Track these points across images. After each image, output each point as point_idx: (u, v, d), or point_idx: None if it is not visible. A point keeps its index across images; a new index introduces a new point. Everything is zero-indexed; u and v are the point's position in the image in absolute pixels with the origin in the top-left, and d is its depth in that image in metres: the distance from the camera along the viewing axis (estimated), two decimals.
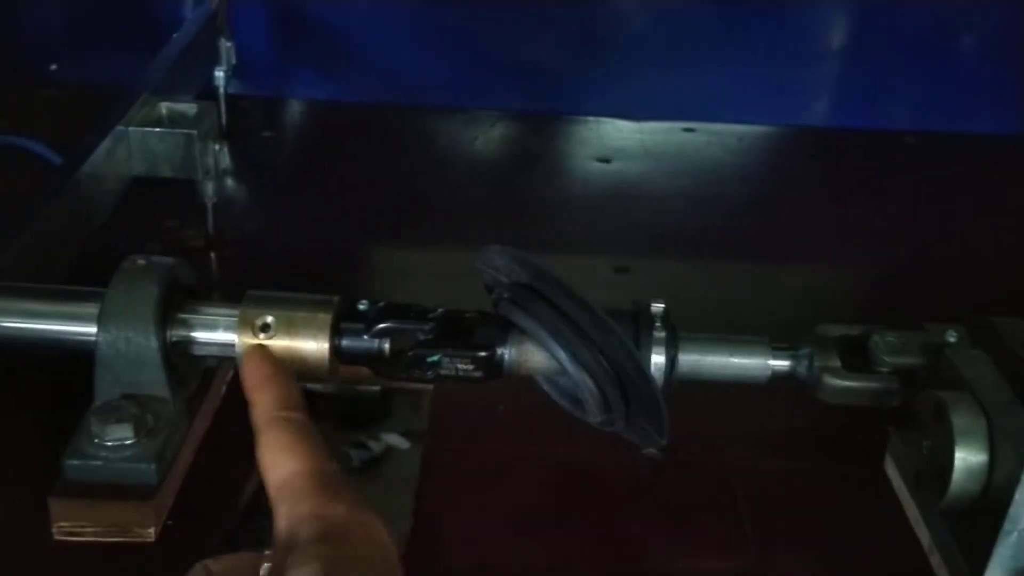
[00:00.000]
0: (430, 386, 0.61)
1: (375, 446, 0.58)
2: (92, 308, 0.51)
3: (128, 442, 0.49)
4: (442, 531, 0.54)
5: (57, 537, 0.49)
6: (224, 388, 0.59)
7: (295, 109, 1.10)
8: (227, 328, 0.51)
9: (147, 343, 0.50)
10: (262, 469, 0.36)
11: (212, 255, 0.78)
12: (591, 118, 1.08)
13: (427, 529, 0.52)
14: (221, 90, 0.97)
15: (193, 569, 0.34)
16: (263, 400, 0.39)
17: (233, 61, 0.98)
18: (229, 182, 0.94)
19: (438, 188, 0.95)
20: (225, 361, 0.56)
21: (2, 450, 0.55)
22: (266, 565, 0.32)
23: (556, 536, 0.54)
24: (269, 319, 0.51)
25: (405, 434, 0.59)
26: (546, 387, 0.53)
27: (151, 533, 0.49)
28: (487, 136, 1.06)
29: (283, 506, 0.34)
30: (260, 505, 0.53)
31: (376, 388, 0.61)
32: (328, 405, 0.60)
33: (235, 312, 0.51)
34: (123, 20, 1.09)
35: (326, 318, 0.51)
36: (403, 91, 1.09)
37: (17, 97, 1.06)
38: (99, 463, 0.48)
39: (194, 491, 0.52)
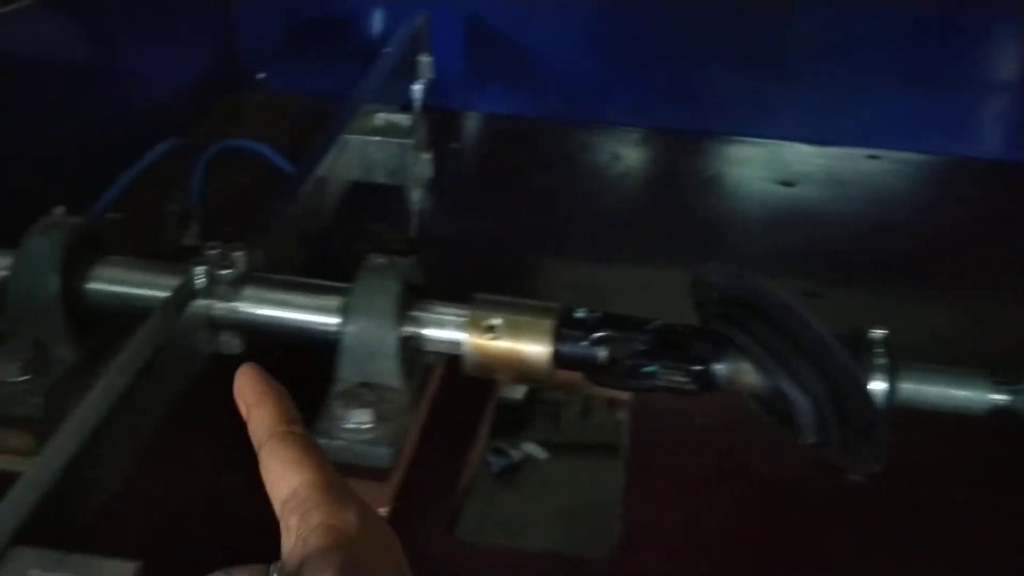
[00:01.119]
0: (559, 398, 0.63)
1: (514, 454, 0.59)
2: (336, 301, 0.56)
3: (367, 426, 0.53)
4: (642, 546, 0.55)
5: None
6: (438, 383, 0.62)
7: (480, 122, 1.15)
8: (456, 327, 0.55)
9: (386, 336, 0.54)
10: (267, 484, 0.35)
11: (412, 259, 0.83)
12: (771, 141, 1.08)
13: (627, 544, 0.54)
14: (418, 103, 1.03)
15: None
16: (262, 416, 0.37)
17: (431, 76, 1.03)
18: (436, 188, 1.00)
19: (617, 204, 0.98)
20: (440, 357, 0.60)
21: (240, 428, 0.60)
22: None
23: (750, 555, 0.55)
24: (497, 321, 0.54)
25: (544, 444, 0.60)
26: (755, 404, 0.55)
27: (382, 513, 0.53)
28: (667, 155, 1.08)
29: (292, 518, 0.33)
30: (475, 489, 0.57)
31: (519, 397, 0.63)
32: None
33: (464, 313, 0.55)
34: (325, 34, 1.17)
35: (549, 324, 0.54)
36: (585, 108, 1.12)
37: (229, 101, 1.15)
38: (341, 443, 0.53)
39: (417, 476, 0.56)
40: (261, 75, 1.18)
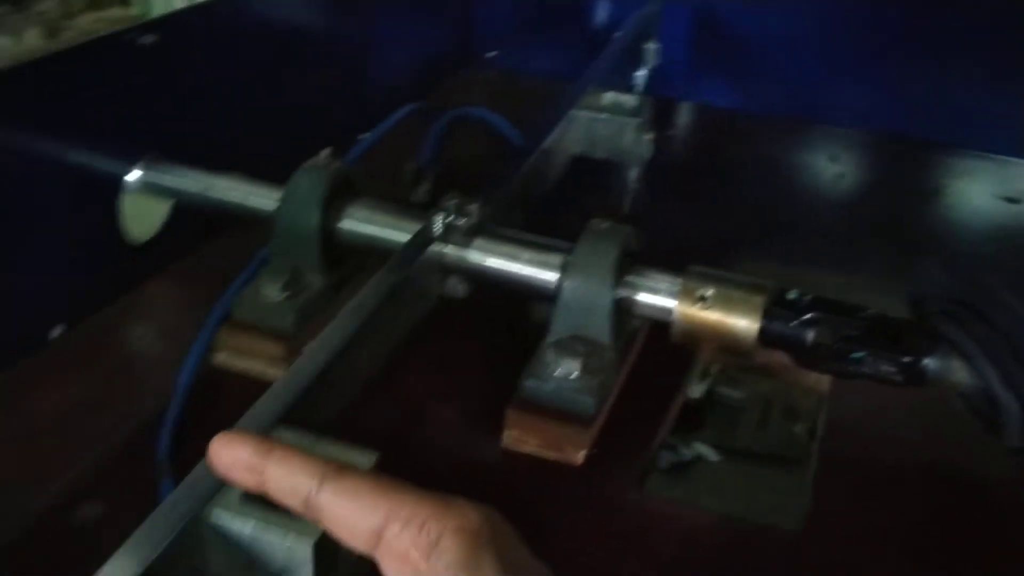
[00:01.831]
0: (737, 402, 0.63)
1: (685, 452, 0.60)
2: (559, 259, 0.60)
3: (574, 375, 0.57)
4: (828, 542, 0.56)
5: (504, 444, 0.58)
6: (640, 348, 0.65)
7: (698, 113, 1.16)
8: (668, 294, 0.58)
9: (602, 295, 0.58)
10: (344, 523, 0.33)
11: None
12: (1000, 156, 1.04)
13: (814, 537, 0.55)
14: (641, 89, 1.06)
15: None
16: (293, 468, 0.34)
17: (656, 63, 1.06)
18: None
19: (829, 207, 0.97)
20: (645, 323, 0.63)
21: (466, 366, 0.66)
22: None
23: (940, 559, 0.54)
24: (709, 292, 0.57)
25: (717, 447, 0.60)
26: (961, 404, 0.54)
27: (580, 456, 0.57)
28: (887, 161, 1.06)
29: (402, 540, 0.32)
30: (664, 443, 0.60)
31: (698, 396, 0.65)
32: None
33: (678, 281, 0.58)
34: (555, 18, 1.22)
35: (760, 300, 0.56)
36: (806, 107, 1.11)
37: (461, 77, 1.22)
38: (550, 388, 0.57)
39: (614, 430, 0.59)
40: (492, 53, 1.25)
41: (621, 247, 0.59)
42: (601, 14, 1.18)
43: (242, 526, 0.41)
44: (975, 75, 1.06)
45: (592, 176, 0.88)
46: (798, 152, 1.07)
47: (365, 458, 0.45)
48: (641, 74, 1.06)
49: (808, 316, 0.55)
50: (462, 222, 0.61)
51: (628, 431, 0.60)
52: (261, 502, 0.42)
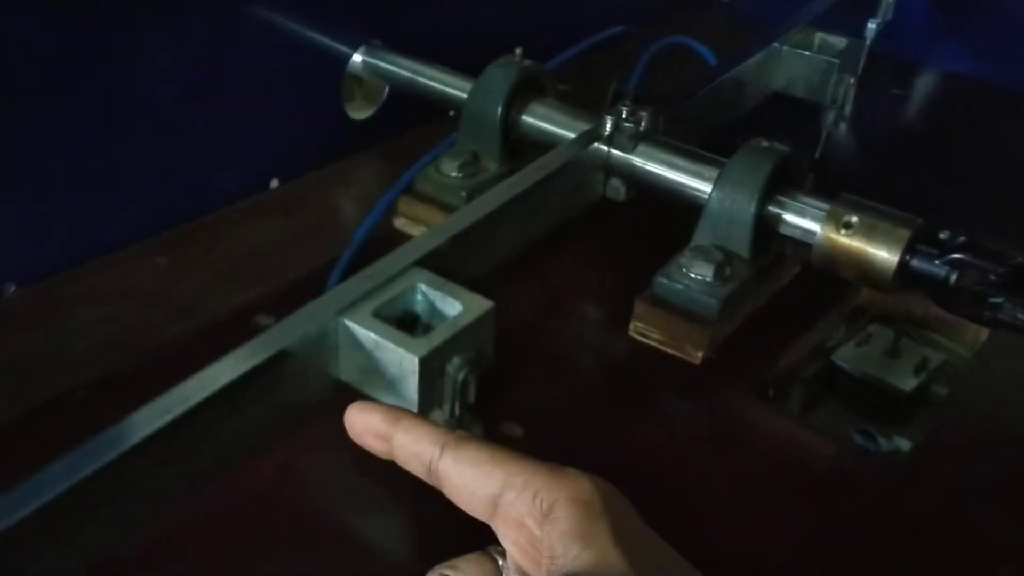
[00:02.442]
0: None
1: (883, 443, 0.59)
2: (713, 172, 0.62)
3: (706, 279, 0.59)
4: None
5: (630, 333, 0.61)
6: (787, 278, 0.66)
7: (933, 77, 1.11)
8: (814, 218, 0.58)
9: (746, 208, 0.59)
10: (462, 489, 0.33)
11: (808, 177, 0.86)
12: None
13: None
14: (868, 40, 1.03)
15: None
16: (416, 436, 0.35)
17: (889, 17, 1.02)
18: (843, 125, 1.01)
19: None
20: (799, 250, 0.64)
21: (612, 262, 0.69)
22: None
23: None
24: (854, 219, 0.57)
25: (915, 448, 0.59)
26: None
27: (698, 356, 0.59)
28: None
29: (516, 508, 0.32)
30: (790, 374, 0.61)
31: (906, 390, 0.63)
32: (856, 388, 0.65)
33: (826, 206, 0.58)
34: None
35: (905, 233, 0.55)
36: None
37: (690, 19, 1.23)
38: (680, 287, 0.60)
39: (738, 342, 0.61)
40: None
41: (774, 165, 0.60)
42: None
43: (366, 336, 0.48)
44: None
45: (791, 114, 0.88)
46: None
47: (484, 303, 0.50)
48: (872, 26, 1.02)
49: (954, 256, 0.54)
50: (629, 126, 0.65)
51: (754, 348, 0.62)
52: (386, 320, 0.49)
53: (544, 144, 0.70)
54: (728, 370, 0.60)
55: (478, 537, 0.34)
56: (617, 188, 0.67)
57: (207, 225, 0.71)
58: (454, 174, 0.69)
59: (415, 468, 0.35)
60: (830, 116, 0.83)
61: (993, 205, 0.84)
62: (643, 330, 0.61)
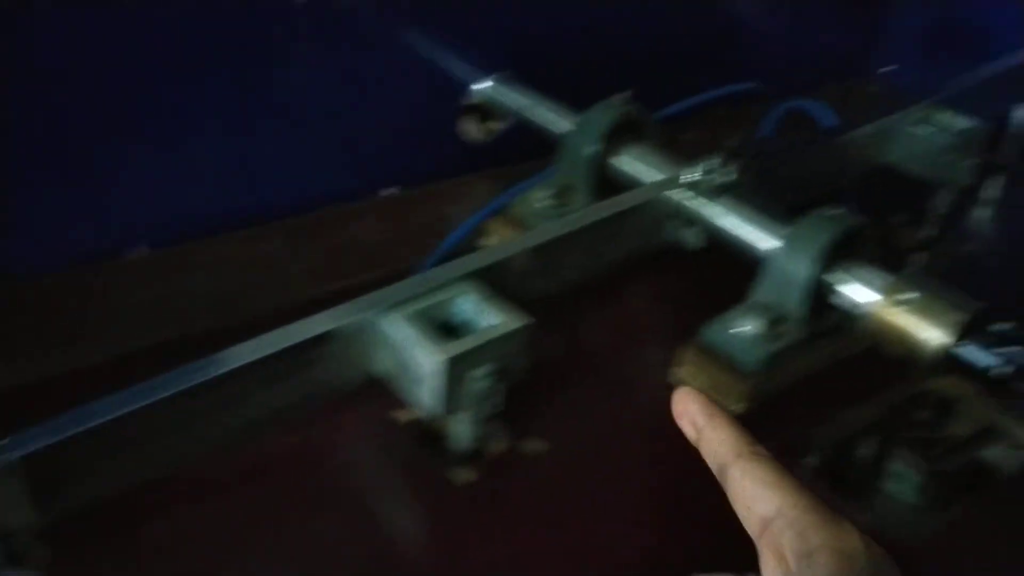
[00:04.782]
0: None
1: None
2: (783, 231, 0.63)
3: (752, 335, 0.60)
4: None
5: (671, 380, 0.63)
6: (855, 349, 0.65)
7: None
8: (872, 287, 0.58)
9: (802, 269, 0.60)
10: (741, 501, 0.35)
11: (917, 258, 0.84)
12: None
13: None
14: (1012, 128, 0.99)
15: None
16: (722, 437, 0.37)
17: None
18: (990, 211, 0.98)
19: None
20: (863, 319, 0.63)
21: (675, 305, 0.71)
22: None
23: None
24: (911, 295, 0.56)
25: None
26: None
27: (738, 408, 0.60)
28: None
29: (784, 537, 0.33)
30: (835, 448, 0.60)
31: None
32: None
33: (889, 278, 0.58)
34: (964, 40, 1.16)
35: (962, 316, 0.54)
36: None
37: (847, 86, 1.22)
38: (726, 337, 0.61)
39: (783, 403, 0.61)
40: (887, 68, 1.22)
41: (838, 234, 0.60)
42: (1006, 49, 1.10)
43: (399, 333, 0.52)
44: None
45: (907, 190, 0.86)
46: None
47: (520, 319, 0.53)
48: (1020, 112, 0.98)
49: (1007, 349, 0.53)
50: (710, 176, 0.66)
51: (799, 412, 0.62)
52: (422, 321, 0.53)
53: (634, 186, 0.72)
54: (764, 427, 0.60)
55: None
56: (691, 236, 0.68)
57: (324, 217, 0.78)
58: (544, 203, 0.73)
59: (711, 464, 0.37)
60: (943, 197, 0.80)
61: None
62: (686, 376, 0.62)
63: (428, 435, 0.59)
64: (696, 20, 1.02)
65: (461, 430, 0.56)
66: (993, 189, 0.99)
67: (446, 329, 0.55)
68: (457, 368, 0.51)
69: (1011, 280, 0.85)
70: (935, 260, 0.84)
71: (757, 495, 0.35)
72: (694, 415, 0.38)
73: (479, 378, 0.52)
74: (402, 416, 0.59)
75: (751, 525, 0.35)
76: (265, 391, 0.50)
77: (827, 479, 0.59)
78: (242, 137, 0.73)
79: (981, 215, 0.96)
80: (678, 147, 0.96)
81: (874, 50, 1.24)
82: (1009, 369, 0.52)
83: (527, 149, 0.88)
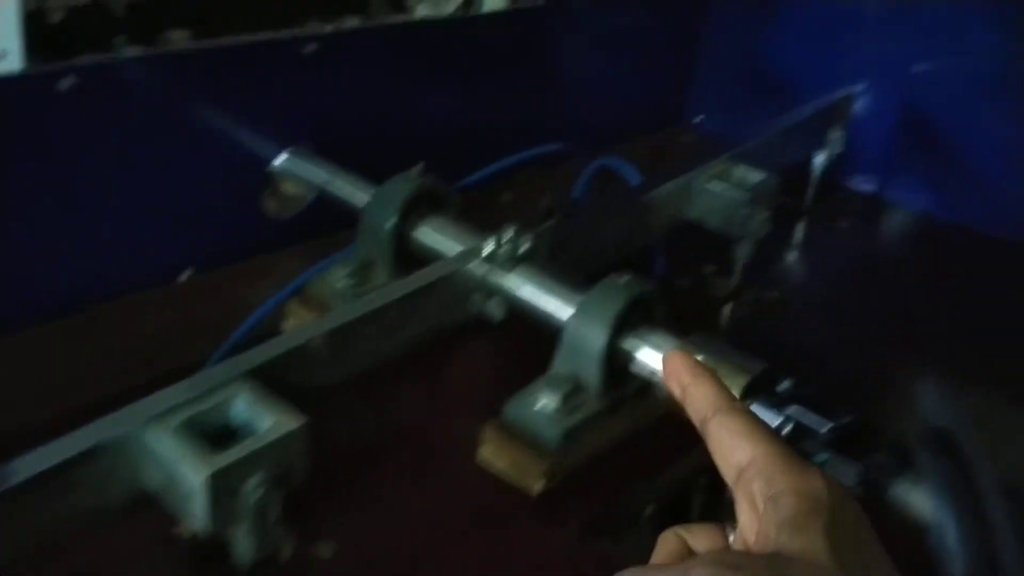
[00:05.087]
0: None
1: None
2: (578, 298, 0.62)
3: (550, 410, 0.59)
4: None
5: (477, 460, 0.61)
6: (653, 417, 0.65)
7: (884, 210, 1.10)
8: (661, 353, 0.58)
9: (596, 342, 0.59)
10: (718, 453, 0.37)
11: (727, 308, 0.86)
12: None
13: None
14: (816, 172, 1.03)
15: (664, 535, 0.39)
16: (703, 393, 0.39)
17: (839, 150, 1.03)
18: (798, 254, 1.01)
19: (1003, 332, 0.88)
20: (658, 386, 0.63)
21: (480, 380, 0.69)
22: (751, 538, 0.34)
23: None
24: (698, 359, 0.56)
25: None
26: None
27: (537, 487, 0.59)
28: None
29: (755, 484, 0.35)
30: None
31: None
32: None
33: (675, 345, 0.58)
34: (768, 88, 1.21)
35: (742, 380, 0.55)
36: (1007, 226, 1.02)
37: (662, 136, 1.25)
38: (526, 415, 0.59)
39: (585, 476, 0.60)
40: (698, 118, 1.26)
41: (629, 301, 0.60)
42: (810, 91, 1.16)
43: (166, 449, 0.49)
44: None
45: (718, 245, 0.88)
46: (983, 272, 0.99)
47: (291, 421, 0.50)
48: (819, 159, 1.03)
49: (787, 411, 0.53)
50: (507, 248, 0.65)
51: (597, 481, 0.61)
52: (189, 432, 0.50)
53: (436, 258, 0.71)
54: (563, 504, 0.59)
55: None
56: (494, 308, 0.67)
57: (109, 310, 0.73)
58: (342, 283, 0.71)
59: (694, 420, 0.39)
60: (743, 248, 0.82)
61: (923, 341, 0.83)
62: (490, 457, 0.60)
63: (211, 549, 0.55)
64: (507, 86, 1.03)
65: (243, 542, 0.52)
66: (797, 234, 1.04)
67: (225, 434, 0.51)
68: (225, 481, 0.48)
69: (815, 321, 0.87)
70: (741, 308, 0.86)
71: (732, 446, 0.37)
72: (680, 375, 0.40)
73: (253, 488, 0.49)
74: (184, 531, 0.55)
75: (728, 474, 0.37)
76: (20, 518, 0.46)
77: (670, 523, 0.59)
78: (13, 230, 0.68)
79: (787, 260, 0.99)
80: (495, 209, 0.96)
81: (687, 100, 1.27)
82: (788, 428, 0.52)
83: (341, 220, 0.85)
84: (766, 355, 0.78)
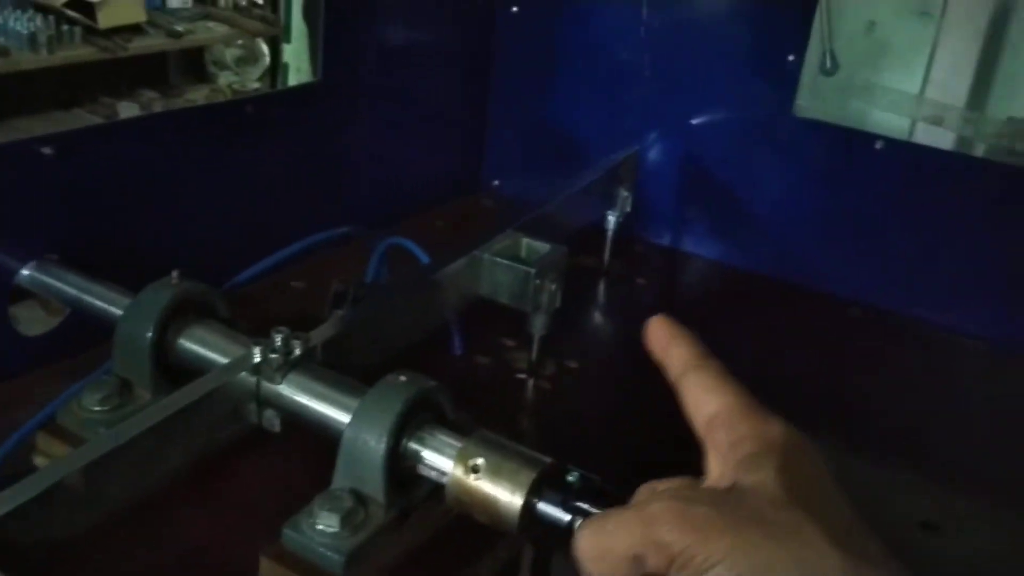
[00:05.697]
0: None
1: None
2: (354, 404, 0.58)
3: (331, 531, 0.54)
4: None
5: None
6: (447, 519, 0.61)
7: (681, 262, 1.12)
8: (445, 455, 0.55)
9: (376, 449, 0.55)
10: (690, 408, 0.41)
11: (530, 383, 0.83)
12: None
13: None
14: (609, 232, 1.04)
15: (639, 489, 0.42)
16: (679, 352, 0.42)
17: (628, 209, 1.04)
18: (598, 318, 1.01)
19: (807, 380, 0.90)
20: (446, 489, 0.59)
21: (262, 499, 0.64)
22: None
23: None
24: (480, 461, 0.53)
25: None
26: None
27: None
28: (872, 335, 0.99)
29: (719, 432, 0.39)
30: None
31: None
32: None
33: (459, 444, 0.55)
34: (555, 151, 1.22)
35: (530, 475, 0.52)
36: (796, 270, 1.06)
37: (462, 203, 1.23)
38: (305, 540, 0.54)
39: None
40: (496, 182, 1.26)
41: (408, 402, 0.56)
42: (597, 151, 1.17)
43: None
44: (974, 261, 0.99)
45: (517, 320, 0.86)
46: (778, 316, 1.01)
47: None
48: (612, 218, 1.03)
49: (577, 504, 0.51)
50: (275, 356, 0.60)
51: None
52: None
53: (205, 370, 0.65)
54: None
55: None
56: (271, 419, 0.62)
57: None
58: (96, 408, 0.63)
59: (671, 378, 0.43)
60: (537, 321, 0.81)
61: None
62: None
63: None
64: (294, 166, 0.98)
65: None
66: (599, 295, 1.04)
67: None
68: None
69: (614, 389, 0.87)
70: (541, 382, 0.84)
71: (701, 399, 0.41)
72: (660, 339, 0.43)
73: None
74: None
75: (698, 426, 0.40)
76: None
77: None
78: None
79: (588, 324, 0.99)
80: (286, 299, 0.91)
81: (483, 165, 1.27)
82: (578, 522, 0.50)
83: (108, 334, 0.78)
84: (567, 430, 0.77)
